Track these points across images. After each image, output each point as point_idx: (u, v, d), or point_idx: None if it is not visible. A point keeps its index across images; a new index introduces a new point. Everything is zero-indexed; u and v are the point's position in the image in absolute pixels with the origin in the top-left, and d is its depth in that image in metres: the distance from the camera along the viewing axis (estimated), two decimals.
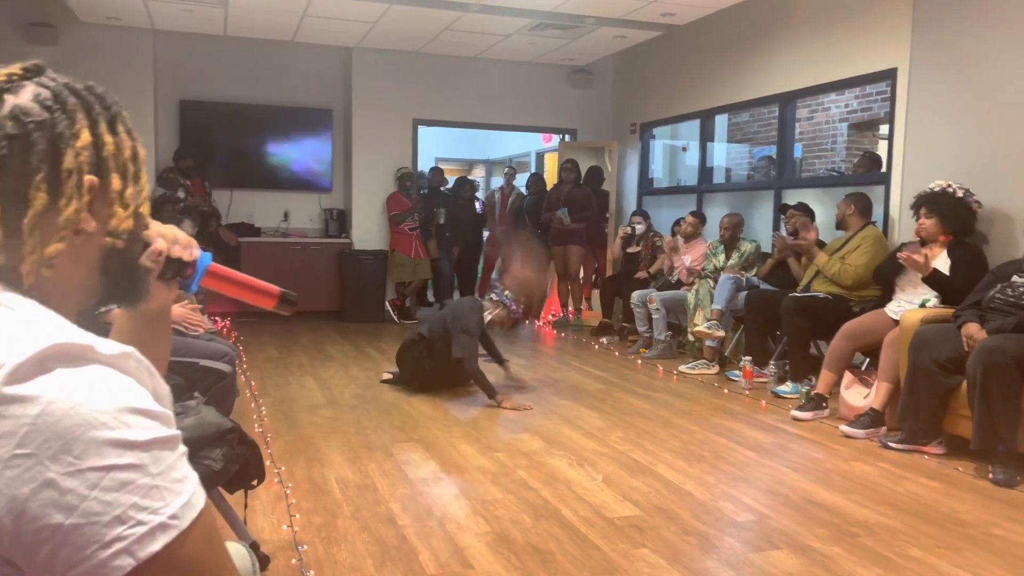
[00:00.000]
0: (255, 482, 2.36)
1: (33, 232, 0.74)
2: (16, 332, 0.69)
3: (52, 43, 7.41)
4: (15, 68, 0.80)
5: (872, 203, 5.16)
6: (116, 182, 0.81)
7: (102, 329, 0.83)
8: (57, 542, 0.63)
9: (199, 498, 0.70)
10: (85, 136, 0.78)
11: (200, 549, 0.69)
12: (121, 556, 0.64)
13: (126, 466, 0.65)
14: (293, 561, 2.53)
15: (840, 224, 5.14)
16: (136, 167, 0.86)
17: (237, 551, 1.40)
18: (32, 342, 0.67)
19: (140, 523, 0.65)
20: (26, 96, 0.77)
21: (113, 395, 0.67)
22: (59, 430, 0.64)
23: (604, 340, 7.10)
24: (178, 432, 0.71)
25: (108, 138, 0.82)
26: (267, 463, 3.01)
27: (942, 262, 4.32)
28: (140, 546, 0.64)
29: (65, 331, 0.70)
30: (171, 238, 0.99)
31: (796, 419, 4.45)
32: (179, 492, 0.68)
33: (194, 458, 2.29)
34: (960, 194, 4.37)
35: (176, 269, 1.01)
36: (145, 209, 0.86)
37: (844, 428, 4.18)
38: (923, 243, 4.46)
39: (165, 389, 0.75)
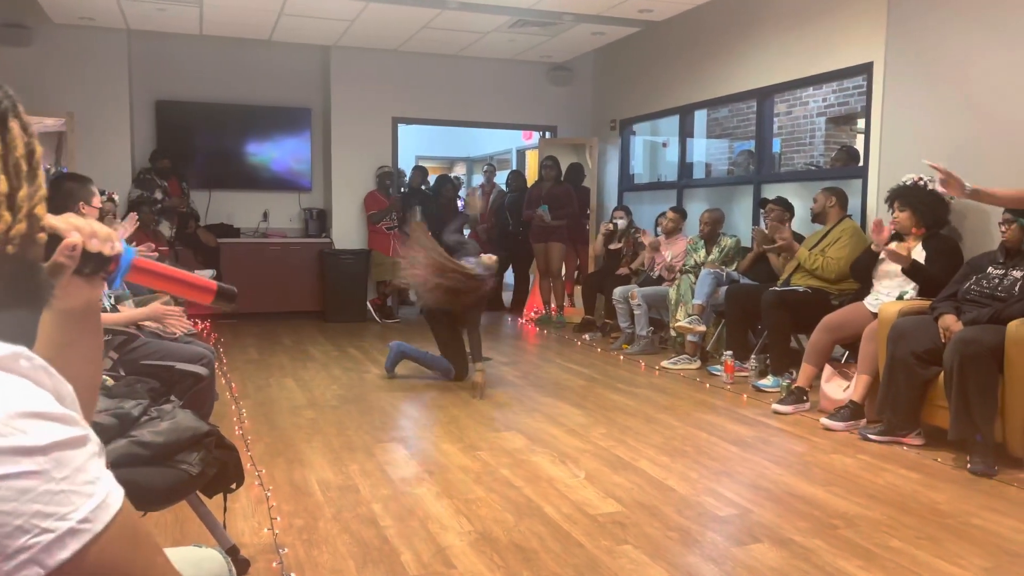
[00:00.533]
0: (234, 485, 2.33)
1: None
2: None
3: (26, 44, 7.31)
4: None
5: (848, 197, 5.20)
6: (2, 184, 0.74)
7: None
8: None
9: (115, 498, 0.66)
10: None
11: (120, 551, 0.66)
12: (28, 567, 0.61)
13: (24, 473, 0.62)
14: (274, 564, 2.51)
15: (818, 217, 5.17)
16: (31, 165, 0.78)
17: (212, 557, 1.38)
18: None
19: (46, 531, 0.61)
20: None
21: (3, 400, 0.64)
22: None
23: (586, 336, 7.11)
24: (85, 432, 0.67)
25: None
26: (247, 466, 2.99)
27: (917, 254, 4.36)
28: (48, 554, 0.61)
29: None
30: (88, 231, 0.91)
31: (777, 412, 4.47)
32: (89, 494, 0.64)
33: (171, 462, 2.25)
34: (932, 187, 4.41)
35: (96, 264, 0.94)
36: (41, 210, 0.79)
37: (824, 421, 4.21)
38: (898, 236, 4.50)
39: (67, 388, 0.71)
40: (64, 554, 0.62)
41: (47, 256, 0.85)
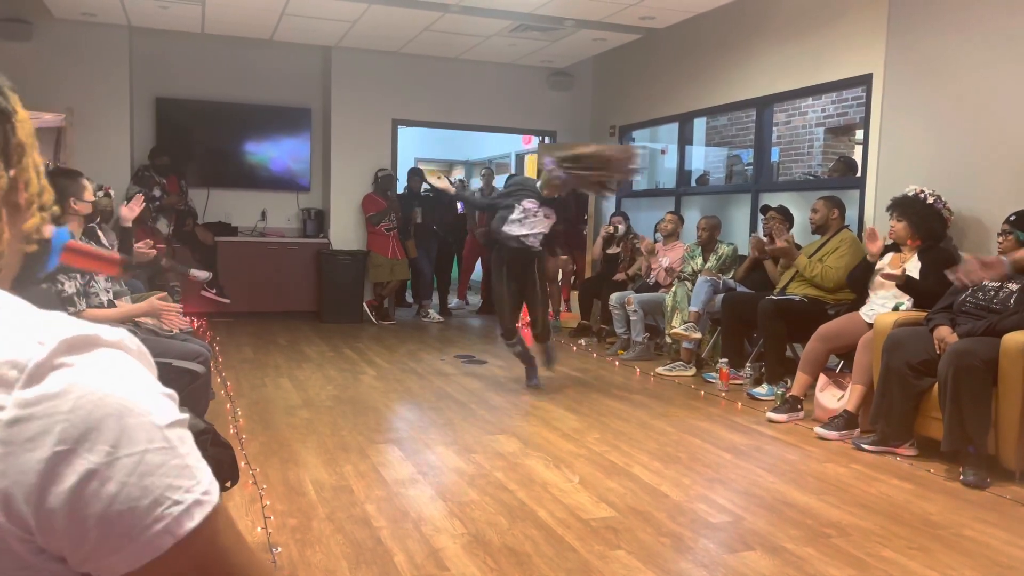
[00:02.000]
0: (228, 484, 2.33)
1: None
2: (14, 327, 0.70)
3: (27, 39, 7.30)
4: None
5: (845, 207, 5.22)
6: (35, 186, 0.81)
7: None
8: (101, 532, 0.65)
9: (214, 478, 0.72)
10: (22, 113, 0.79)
11: (230, 524, 0.71)
12: (161, 536, 0.66)
13: (158, 449, 0.67)
14: (267, 563, 2.51)
15: (820, 227, 5.16)
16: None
17: None
18: (39, 339, 0.68)
19: (177, 502, 0.66)
20: None
21: (133, 380, 0.69)
22: (93, 421, 0.66)
23: (582, 342, 7.12)
24: (186, 415, 0.73)
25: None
26: (242, 464, 2.99)
27: (913, 265, 4.38)
28: (179, 524, 0.66)
29: (60, 321, 0.71)
30: None
31: (771, 421, 4.48)
32: (205, 470, 0.70)
33: None
34: (931, 200, 4.44)
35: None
36: (48, 197, 0.85)
37: (818, 430, 4.22)
38: (896, 246, 4.52)
39: (155, 369, 0.76)
40: (192, 523, 0.66)
41: None
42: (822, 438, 4.15)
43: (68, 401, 0.66)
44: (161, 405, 0.70)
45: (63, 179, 3.41)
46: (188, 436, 0.70)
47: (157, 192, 7.44)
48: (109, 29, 7.59)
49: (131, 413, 0.67)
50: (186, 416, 0.72)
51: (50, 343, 0.68)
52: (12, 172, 0.78)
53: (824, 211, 5.12)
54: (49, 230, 0.95)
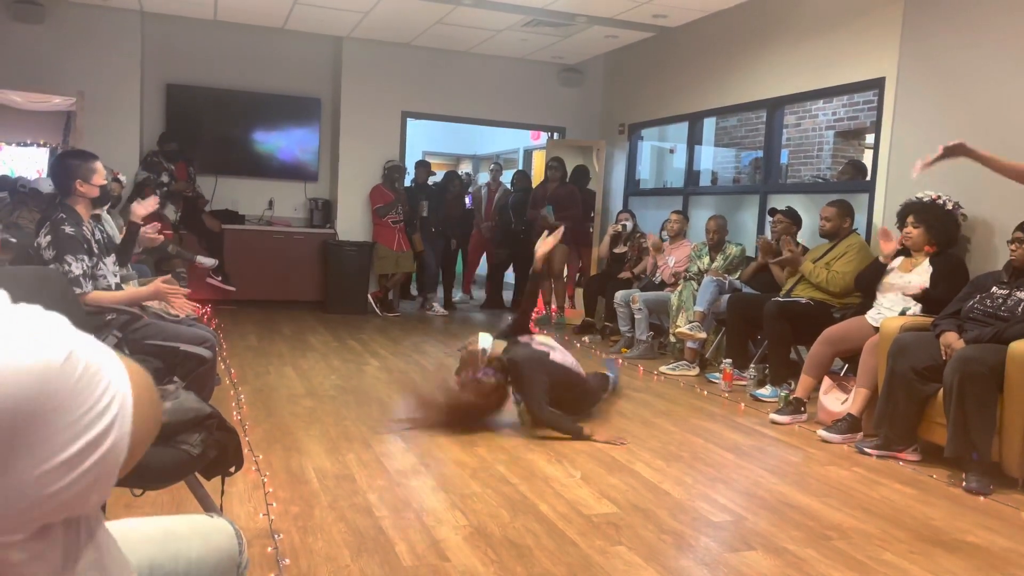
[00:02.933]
0: (233, 469, 2.32)
1: None
2: None
3: (39, 22, 7.31)
4: None
5: (855, 213, 5.21)
6: None
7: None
8: None
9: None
10: None
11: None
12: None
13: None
14: (269, 549, 2.51)
15: (831, 232, 5.12)
16: None
17: (223, 527, 1.39)
18: None
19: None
20: None
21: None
22: None
23: (586, 339, 7.12)
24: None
25: None
26: (245, 451, 2.99)
27: (924, 271, 4.36)
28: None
29: None
30: None
31: (774, 422, 4.48)
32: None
33: (172, 442, 2.24)
34: (949, 206, 4.42)
35: None
36: None
37: (822, 433, 4.21)
38: (906, 251, 4.50)
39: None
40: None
41: None
42: (825, 441, 4.15)
43: None
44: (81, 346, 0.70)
45: (72, 159, 3.41)
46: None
47: (165, 178, 7.45)
48: (121, 14, 7.59)
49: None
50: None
51: None
52: None
53: (836, 220, 5.09)
54: None
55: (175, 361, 2.92)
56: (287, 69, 8.38)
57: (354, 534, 2.67)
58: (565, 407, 4.04)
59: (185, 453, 2.05)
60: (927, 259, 4.40)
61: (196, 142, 8.04)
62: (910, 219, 4.46)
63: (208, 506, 2.38)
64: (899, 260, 4.48)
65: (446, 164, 12.84)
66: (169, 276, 3.32)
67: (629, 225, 7.33)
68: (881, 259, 4.51)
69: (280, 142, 8.52)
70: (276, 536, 2.61)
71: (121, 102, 7.67)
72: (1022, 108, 4.38)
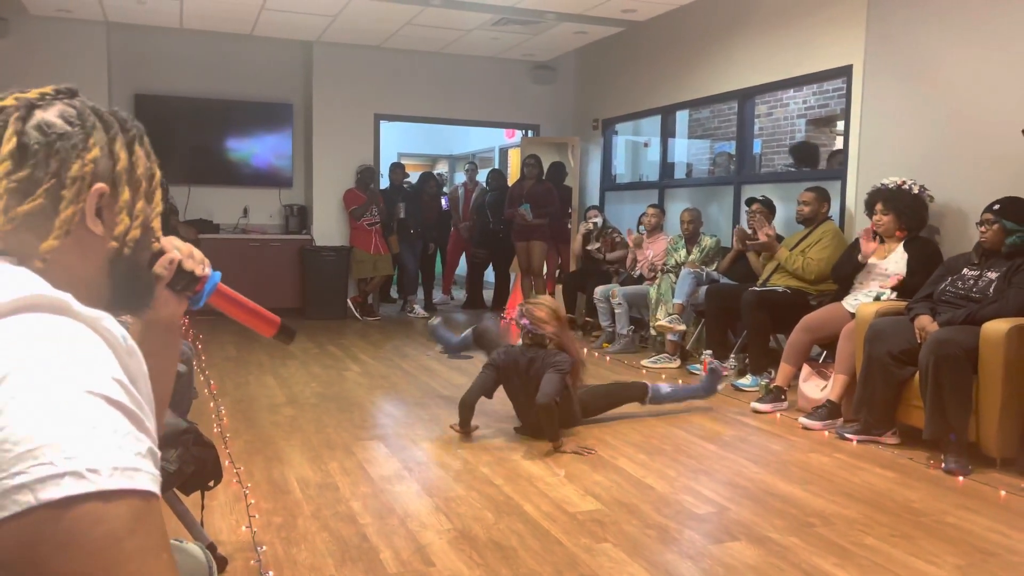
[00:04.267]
0: (212, 483, 2.32)
1: (27, 225, 0.82)
2: (4, 282, 0.73)
3: (2, 36, 7.22)
4: (48, 89, 0.91)
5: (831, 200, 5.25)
6: (126, 194, 0.90)
7: None
8: None
9: (144, 479, 0.65)
10: (96, 151, 0.87)
11: (115, 525, 0.62)
12: (20, 492, 0.60)
13: (56, 404, 0.63)
14: (252, 562, 2.50)
15: (809, 217, 5.16)
16: (151, 186, 0.94)
17: (193, 552, 1.38)
18: (17, 290, 0.71)
19: (49, 463, 0.60)
20: (53, 112, 0.88)
21: (84, 350, 0.68)
22: (19, 360, 0.65)
23: None
24: (143, 415, 0.68)
25: (123, 154, 0.90)
26: (226, 463, 2.97)
27: (899, 255, 4.41)
28: (42, 486, 0.60)
29: (47, 288, 0.74)
30: (187, 252, 1.07)
31: (756, 411, 4.51)
32: (115, 456, 0.63)
33: None
34: (916, 190, 4.47)
35: (187, 281, 1.07)
36: (156, 224, 0.95)
37: (803, 420, 4.24)
38: (879, 237, 4.54)
39: (141, 369, 0.73)
40: (57, 492, 0.60)
41: (150, 267, 1.01)
42: (806, 428, 4.18)
43: (6, 338, 0.66)
44: (96, 378, 0.66)
45: None
46: (118, 419, 0.65)
47: None
48: (86, 25, 7.50)
49: (43, 367, 0.65)
50: (130, 405, 0.67)
51: (22, 292, 0.70)
52: (64, 204, 0.84)
53: (815, 205, 5.13)
54: (203, 268, 1.09)
55: None
56: (257, 75, 8.32)
57: (338, 543, 2.66)
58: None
59: (161, 470, 2.03)
60: (900, 244, 4.44)
61: (167, 152, 7.91)
62: (879, 206, 4.50)
63: (188, 523, 2.37)
64: (872, 246, 4.51)
65: (421, 165, 12.80)
66: None
67: (599, 221, 7.35)
68: (860, 259, 4.51)
69: (253, 149, 8.45)
70: (259, 548, 2.59)
71: None
72: (986, 89, 4.43)
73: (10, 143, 0.83)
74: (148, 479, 0.65)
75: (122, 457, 0.64)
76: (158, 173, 0.96)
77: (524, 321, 3.98)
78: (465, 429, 3.94)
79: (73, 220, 0.85)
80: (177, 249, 1.05)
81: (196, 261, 1.08)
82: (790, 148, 7.20)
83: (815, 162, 6.65)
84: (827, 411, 4.21)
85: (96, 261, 0.88)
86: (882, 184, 4.55)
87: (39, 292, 0.71)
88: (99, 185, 0.87)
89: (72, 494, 0.61)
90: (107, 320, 0.72)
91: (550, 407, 3.68)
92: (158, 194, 0.95)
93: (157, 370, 0.78)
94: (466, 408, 3.93)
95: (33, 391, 0.63)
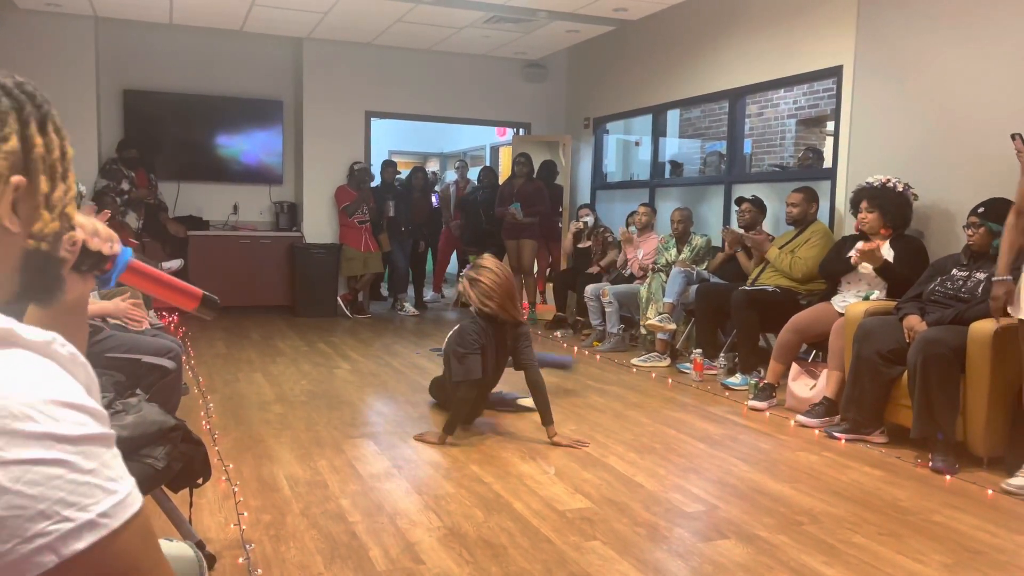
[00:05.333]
0: (200, 480, 2.30)
1: None
2: None
3: None
4: None
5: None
6: (44, 184, 0.80)
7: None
8: None
9: (135, 499, 0.67)
10: (13, 141, 0.77)
11: (133, 551, 0.67)
12: (43, 552, 0.61)
13: (53, 461, 0.63)
14: (240, 560, 2.49)
15: (798, 218, 5.17)
16: (64, 166, 0.84)
17: (182, 550, 1.37)
18: None
19: (66, 519, 0.62)
20: None
21: (38, 385, 0.65)
22: None
23: (558, 333, 7.13)
24: (111, 431, 0.69)
25: (38, 139, 0.80)
26: (214, 460, 2.96)
27: (886, 254, 4.42)
28: (64, 543, 0.62)
29: None
30: (90, 229, 0.96)
31: (754, 409, 4.52)
32: (112, 491, 0.65)
33: (135, 456, 2.23)
34: (900, 188, 4.49)
35: (94, 261, 0.98)
36: (71, 209, 0.84)
37: (800, 418, 4.25)
38: (863, 236, 4.56)
39: (95, 382, 0.72)
40: (80, 545, 0.62)
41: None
42: (803, 426, 4.18)
43: None
44: (69, 417, 0.65)
45: None
46: (102, 453, 0.66)
47: (125, 185, 7.33)
48: (75, 20, 7.45)
49: (24, 419, 0.63)
50: (107, 432, 0.68)
51: None
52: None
53: (803, 206, 5.14)
54: (111, 246, 0.99)
55: (138, 373, 2.88)
56: (247, 71, 8.28)
57: (327, 540, 2.65)
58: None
59: (149, 467, 2.02)
60: (887, 243, 4.46)
61: (156, 148, 7.91)
62: (864, 204, 4.52)
63: (176, 520, 2.35)
64: (859, 244, 4.52)
65: (412, 163, 12.74)
66: (128, 294, 3.26)
67: (591, 220, 7.35)
68: (853, 262, 4.51)
69: (243, 146, 8.41)
70: (248, 546, 2.58)
71: (77, 110, 7.50)
72: (977, 92, 4.45)
73: None
74: (135, 493, 0.68)
75: (119, 488, 0.66)
76: (70, 150, 0.85)
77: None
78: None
79: (1, 219, 0.76)
80: (80, 227, 0.95)
81: (103, 239, 0.99)
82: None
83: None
84: (824, 408, 4.22)
85: (10, 260, 0.80)
86: (867, 182, 4.57)
87: None
88: (16, 178, 0.77)
89: (94, 542, 0.63)
90: (56, 343, 0.70)
91: (463, 395, 3.85)
92: (71, 175, 0.85)
93: None
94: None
95: (13, 449, 0.62)
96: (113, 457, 0.67)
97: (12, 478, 0.61)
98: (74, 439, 0.64)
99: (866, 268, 4.43)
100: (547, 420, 3.82)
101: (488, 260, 4.00)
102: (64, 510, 0.62)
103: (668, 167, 8.04)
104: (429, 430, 3.94)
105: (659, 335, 5.85)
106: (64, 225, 0.84)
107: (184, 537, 2.30)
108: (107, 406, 2.11)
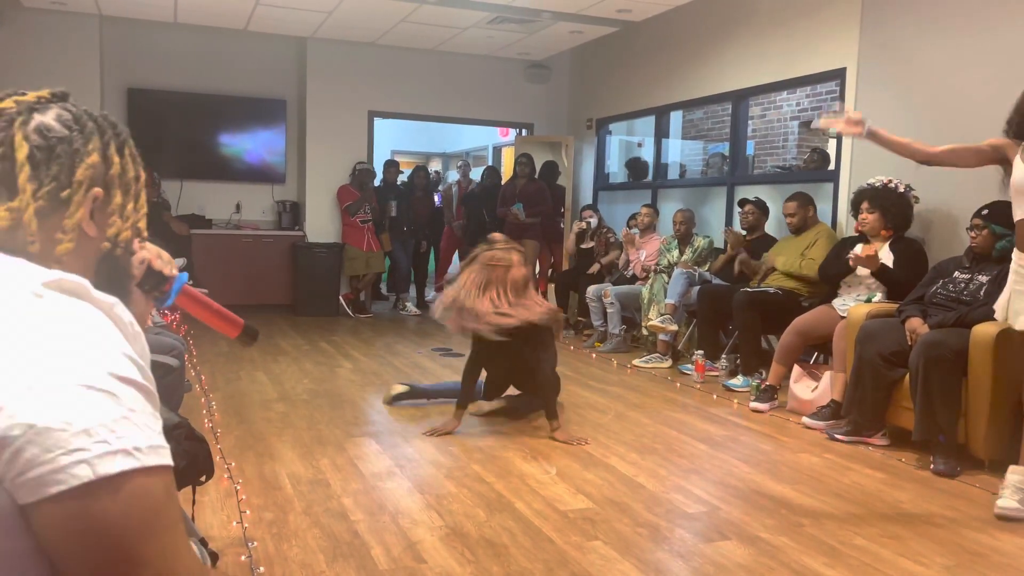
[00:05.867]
0: (203, 478, 2.30)
1: (42, 228, 0.87)
2: (22, 267, 0.81)
3: None
4: (44, 92, 0.94)
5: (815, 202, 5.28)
6: (118, 197, 0.95)
7: None
8: (25, 440, 0.69)
9: (167, 455, 0.76)
10: (95, 156, 0.92)
11: (157, 496, 0.74)
12: (81, 466, 0.69)
13: (100, 390, 0.72)
14: (243, 558, 2.49)
15: (799, 226, 5.16)
16: (137, 188, 1.00)
17: None
18: (42, 272, 0.79)
19: (105, 442, 0.70)
20: (50, 116, 0.91)
21: (105, 334, 0.76)
22: (56, 341, 0.72)
23: (560, 334, 7.13)
24: (154, 391, 0.79)
25: (116, 159, 0.96)
26: (217, 459, 2.96)
27: (885, 256, 4.43)
28: (101, 462, 0.70)
29: (67, 273, 0.82)
30: (155, 252, 1.12)
31: (756, 410, 4.52)
32: (147, 435, 0.74)
33: None
34: (901, 189, 4.49)
35: (155, 281, 1.11)
36: (142, 225, 0.99)
37: (806, 420, 4.24)
38: (864, 238, 4.56)
39: (146, 352, 0.83)
40: (113, 468, 0.70)
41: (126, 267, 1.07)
42: (809, 427, 4.18)
43: (43, 312, 0.74)
44: (117, 360, 0.75)
45: None
46: (140, 399, 0.75)
47: None
48: (79, 18, 7.46)
49: (78, 353, 0.73)
50: (151, 388, 0.77)
51: (49, 275, 0.79)
52: (73, 208, 0.89)
53: (800, 212, 5.15)
54: (170, 269, 1.15)
55: None
56: (251, 71, 8.29)
57: (329, 539, 2.66)
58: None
59: None
60: (887, 245, 4.46)
61: (160, 147, 7.91)
62: (864, 205, 4.52)
63: None
64: (859, 247, 4.53)
65: (415, 163, 12.76)
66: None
67: (594, 221, 7.35)
68: (851, 263, 4.51)
69: (246, 145, 8.43)
70: (250, 544, 2.59)
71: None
72: (980, 94, 4.45)
73: (23, 149, 0.87)
74: (170, 454, 0.78)
75: (153, 436, 0.75)
76: (143, 175, 1.01)
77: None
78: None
79: (81, 223, 0.90)
80: (146, 249, 1.10)
81: (164, 262, 1.14)
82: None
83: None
84: (831, 411, 4.21)
85: (87, 262, 0.93)
86: (868, 184, 4.57)
87: (62, 275, 0.78)
88: (96, 189, 0.91)
89: (126, 469, 0.71)
90: (118, 307, 0.80)
91: (554, 384, 4.11)
92: (143, 196, 1.00)
93: None
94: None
95: (66, 373, 0.72)
96: (153, 414, 0.77)
97: (69, 396, 0.70)
98: (125, 379, 0.75)
99: (863, 271, 4.43)
100: (550, 415, 3.92)
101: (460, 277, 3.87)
102: (106, 435, 0.71)
103: (679, 167, 8.04)
104: (437, 425, 3.98)
105: (661, 336, 5.85)
106: (135, 237, 0.99)
107: (188, 534, 2.31)
108: None
